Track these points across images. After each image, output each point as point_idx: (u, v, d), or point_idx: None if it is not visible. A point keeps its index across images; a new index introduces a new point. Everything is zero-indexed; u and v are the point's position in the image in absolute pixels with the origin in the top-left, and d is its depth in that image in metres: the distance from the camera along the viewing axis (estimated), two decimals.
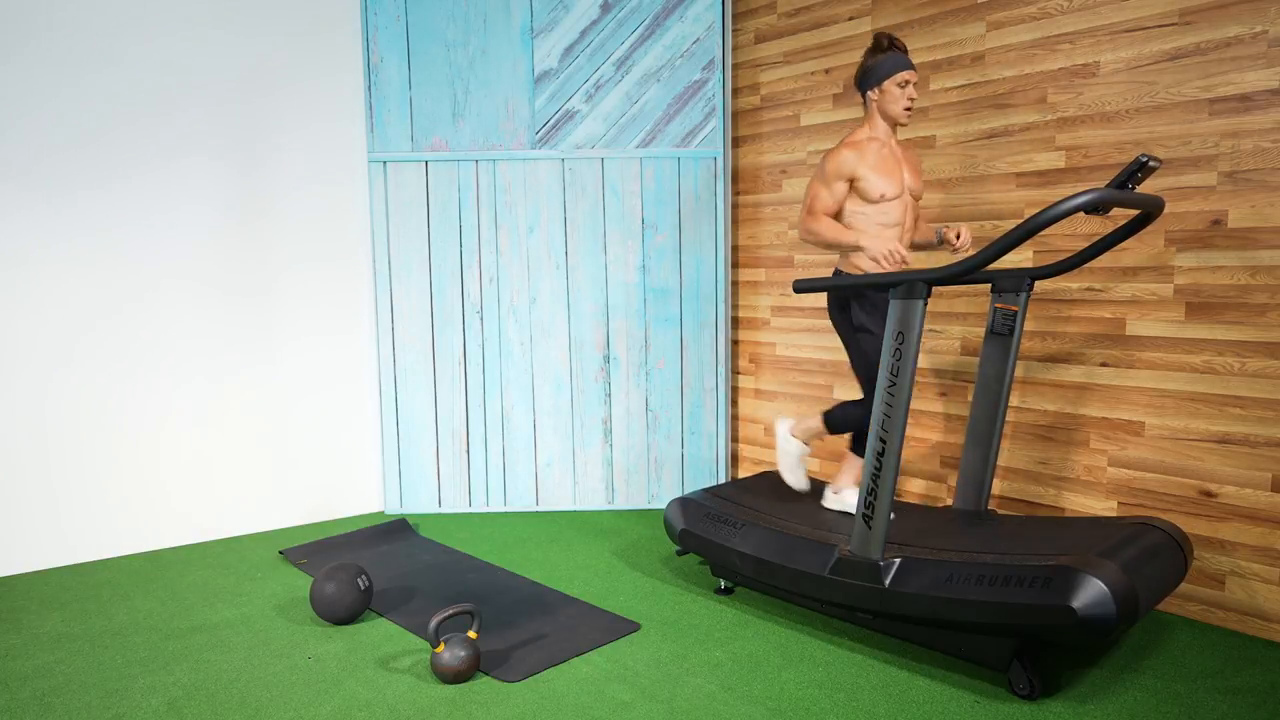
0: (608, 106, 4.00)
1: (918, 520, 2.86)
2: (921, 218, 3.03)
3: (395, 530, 3.76)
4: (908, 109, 2.78)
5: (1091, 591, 2.11)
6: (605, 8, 3.96)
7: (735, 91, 4.19)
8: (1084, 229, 3.04)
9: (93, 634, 2.76)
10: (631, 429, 4.14)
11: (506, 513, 4.14)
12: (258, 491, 3.86)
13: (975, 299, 3.35)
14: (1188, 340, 2.80)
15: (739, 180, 4.22)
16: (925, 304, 2.45)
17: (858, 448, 2.99)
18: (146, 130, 3.50)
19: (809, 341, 3.97)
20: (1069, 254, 3.08)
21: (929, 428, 3.52)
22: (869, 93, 2.81)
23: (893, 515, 2.87)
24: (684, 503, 3.12)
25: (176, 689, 2.38)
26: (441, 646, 2.40)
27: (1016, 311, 2.83)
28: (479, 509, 4.16)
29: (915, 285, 2.45)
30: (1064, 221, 3.06)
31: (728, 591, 3.07)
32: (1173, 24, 2.78)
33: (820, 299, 3.92)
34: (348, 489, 4.12)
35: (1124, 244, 2.92)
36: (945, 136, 3.38)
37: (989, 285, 3.29)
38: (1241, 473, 2.70)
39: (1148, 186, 2.86)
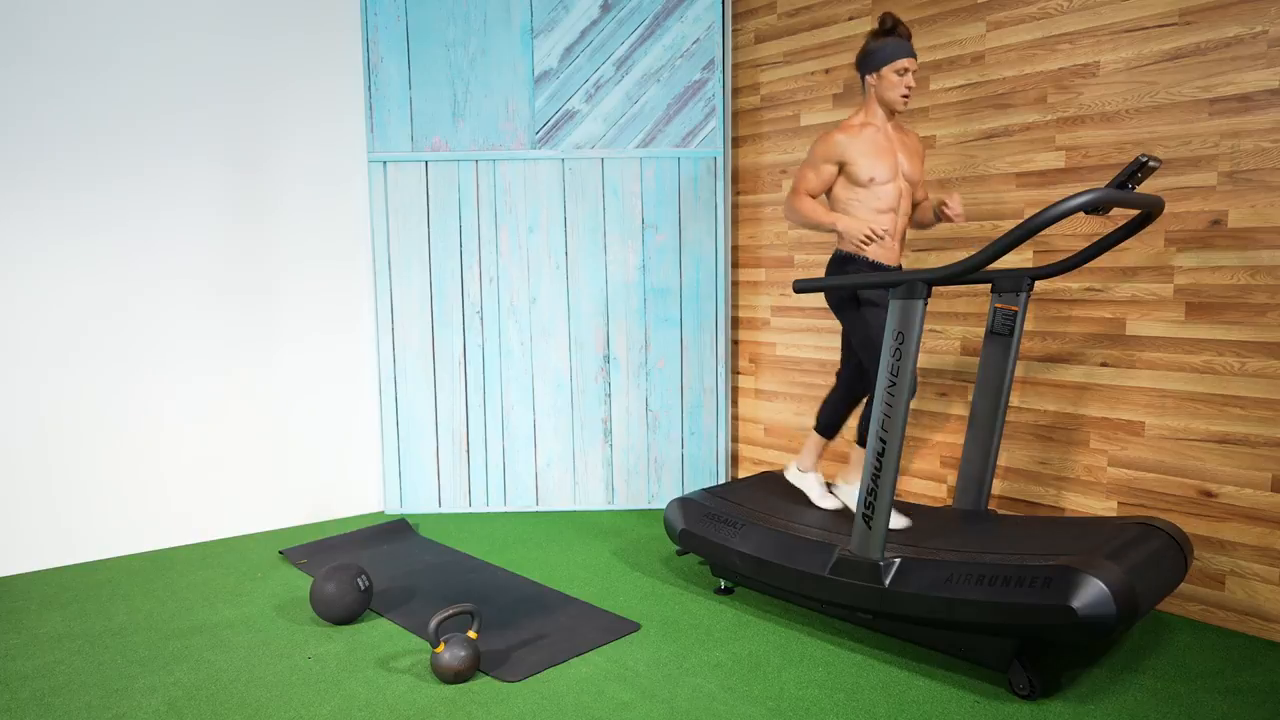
0: (608, 106, 4.00)
1: (918, 520, 2.86)
2: (927, 202, 3.01)
3: (395, 530, 3.76)
4: (905, 96, 2.76)
5: (1091, 591, 2.11)
6: (605, 8, 3.96)
7: (735, 91, 4.19)
8: (1084, 229, 3.04)
9: (93, 634, 2.76)
10: (631, 429, 4.14)
11: (506, 513, 4.14)
12: (258, 491, 3.86)
13: (975, 299, 3.35)
14: (1188, 340, 2.80)
15: (739, 180, 4.22)
16: (925, 304, 2.45)
17: (862, 440, 2.98)
18: (146, 130, 3.50)
19: (809, 341, 3.97)
20: (1069, 254, 3.08)
21: (929, 428, 3.52)
22: (867, 77, 2.81)
23: (910, 522, 2.84)
24: (684, 503, 3.12)
25: (176, 689, 2.38)
26: (441, 646, 2.40)
27: (1016, 311, 2.83)
28: (479, 509, 4.16)
29: (915, 285, 2.45)
30: (1064, 221, 3.06)
31: (728, 591, 3.07)
32: (1173, 24, 2.78)
33: (820, 299, 3.92)
34: (348, 489, 4.12)
35: (1124, 244, 2.92)
36: (945, 136, 3.38)
37: (989, 285, 3.29)
38: (1241, 473, 2.70)
39: (1148, 186, 2.86)
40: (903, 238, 2.90)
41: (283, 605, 2.98)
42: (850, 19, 3.68)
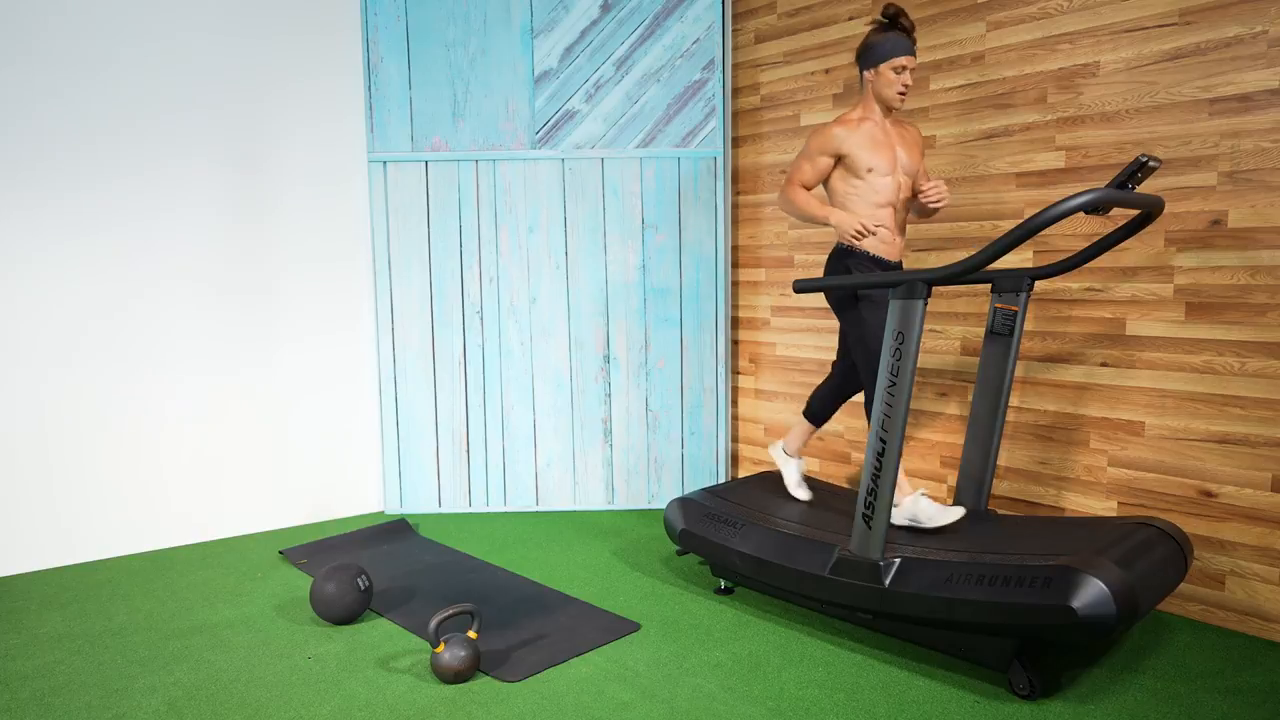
0: (608, 106, 4.00)
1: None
2: None
3: (395, 530, 3.76)
4: (901, 94, 2.75)
5: (1091, 591, 2.11)
6: (605, 8, 3.96)
7: (735, 91, 4.19)
8: (1084, 229, 3.04)
9: (93, 634, 2.76)
10: (631, 429, 4.14)
11: (506, 513, 4.14)
12: (258, 491, 3.87)
13: (975, 299, 3.35)
14: (1188, 340, 2.80)
15: (739, 180, 4.22)
16: (925, 304, 2.45)
17: (808, 411, 3.15)
18: (146, 130, 3.50)
19: (809, 341, 3.97)
20: (1069, 254, 3.08)
21: (929, 428, 3.52)
22: (866, 73, 2.80)
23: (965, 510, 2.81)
24: (684, 503, 3.12)
25: (176, 689, 2.38)
26: (441, 646, 2.40)
27: (1016, 311, 2.83)
28: (479, 509, 4.16)
29: (915, 285, 2.45)
30: (1064, 221, 3.06)
31: (728, 591, 3.07)
32: (1173, 24, 2.78)
33: (820, 300, 3.92)
34: (348, 489, 4.12)
35: (1124, 244, 2.92)
36: (945, 136, 3.38)
37: (989, 285, 3.29)
38: (1241, 473, 2.70)
39: (1148, 186, 2.86)
40: (902, 230, 2.90)
41: (283, 605, 2.98)
42: (850, 19, 3.68)
